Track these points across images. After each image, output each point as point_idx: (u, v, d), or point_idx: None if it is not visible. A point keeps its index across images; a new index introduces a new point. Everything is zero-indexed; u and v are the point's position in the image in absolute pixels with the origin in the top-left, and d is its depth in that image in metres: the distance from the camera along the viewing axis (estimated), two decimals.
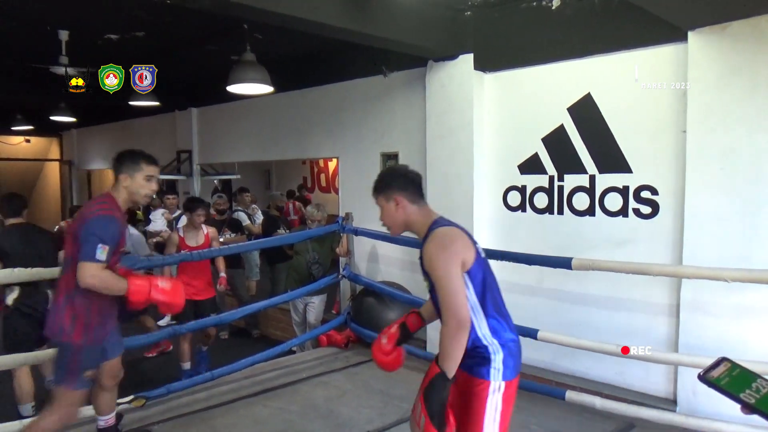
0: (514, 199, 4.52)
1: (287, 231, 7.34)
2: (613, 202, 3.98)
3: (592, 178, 4.08)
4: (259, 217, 7.62)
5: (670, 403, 3.70)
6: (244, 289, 7.02)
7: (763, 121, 3.27)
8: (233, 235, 6.64)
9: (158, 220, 7.55)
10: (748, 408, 1.01)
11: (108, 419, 3.12)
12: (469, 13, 4.46)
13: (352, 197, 5.65)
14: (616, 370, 3.97)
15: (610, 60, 3.93)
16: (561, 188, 4.25)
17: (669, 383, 3.78)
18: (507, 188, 4.55)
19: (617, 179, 3.95)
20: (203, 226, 5.20)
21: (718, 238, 3.43)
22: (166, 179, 8.92)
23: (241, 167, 9.10)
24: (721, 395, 1.04)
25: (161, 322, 7.45)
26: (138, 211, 10.69)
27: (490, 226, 4.65)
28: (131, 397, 3.52)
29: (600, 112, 3.99)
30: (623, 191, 3.93)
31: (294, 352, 5.27)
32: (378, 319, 4.91)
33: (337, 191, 7.91)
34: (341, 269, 5.44)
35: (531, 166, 4.39)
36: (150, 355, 6.08)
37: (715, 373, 1.07)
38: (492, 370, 2.05)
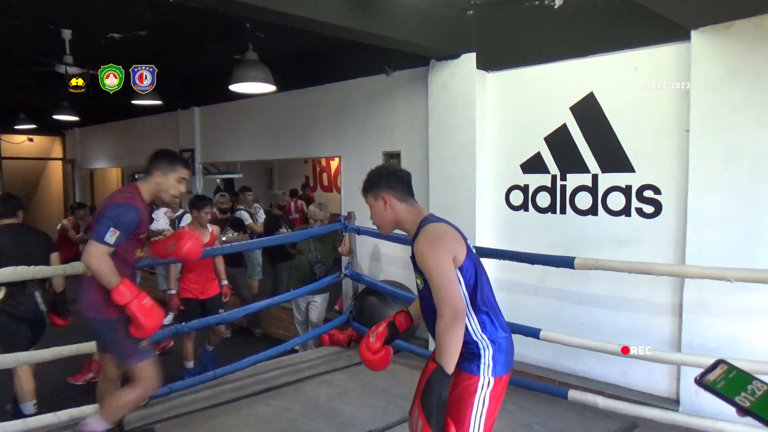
0: (517, 198, 4.51)
1: (289, 230, 7.34)
2: (616, 201, 3.97)
3: (595, 178, 4.07)
4: (262, 216, 7.63)
5: (672, 402, 3.70)
6: (246, 288, 7.03)
7: (767, 120, 3.26)
8: (236, 234, 6.65)
9: (161, 219, 7.55)
10: (743, 411, 1.01)
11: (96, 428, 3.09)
12: (471, 12, 4.46)
13: (355, 196, 5.61)
14: (619, 370, 3.97)
15: (613, 59, 3.93)
16: (563, 188, 4.24)
17: (672, 383, 3.78)
18: (509, 187, 4.55)
19: (620, 179, 3.95)
20: (208, 224, 5.23)
21: (721, 238, 3.42)
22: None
23: (244, 166, 9.10)
24: (718, 398, 1.04)
25: (164, 321, 7.48)
26: None
27: (492, 225, 4.64)
28: None
29: (603, 112, 3.99)
30: (626, 191, 3.93)
31: (296, 351, 5.28)
32: (380, 318, 4.85)
33: (339, 190, 7.91)
34: (343, 268, 5.44)
35: (533, 165, 4.39)
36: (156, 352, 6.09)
37: (712, 376, 1.07)
38: (482, 366, 2.04)
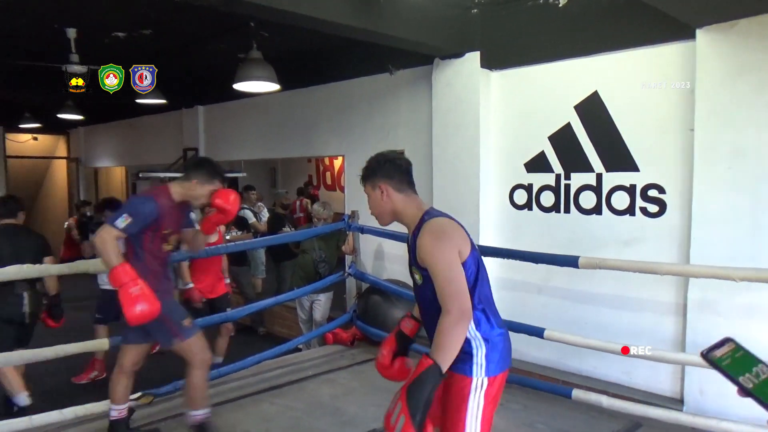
0: (521, 197, 4.51)
1: (292, 229, 7.35)
2: (620, 200, 3.97)
3: (599, 177, 4.06)
4: (265, 215, 7.64)
5: (676, 402, 3.69)
6: (249, 287, 7.04)
7: None
8: (239, 232, 6.66)
9: None
10: (744, 392, 0.99)
11: (122, 410, 3.17)
12: (476, 11, 4.45)
13: (358, 195, 5.61)
14: (623, 370, 3.96)
15: (618, 58, 3.92)
16: (568, 187, 4.24)
17: (676, 382, 3.77)
18: (513, 186, 4.54)
19: (624, 178, 3.94)
20: None
21: (725, 237, 3.41)
22: (172, 177, 8.96)
23: (247, 165, 9.11)
24: (723, 377, 1.02)
25: None
26: None
27: (496, 224, 4.64)
28: (139, 394, 3.54)
29: (607, 110, 3.98)
30: (630, 190, 3.92)
31: (300, 350, 5.28)
32: (384, 317, 4.92)
33: (342, 189, 7.91)
34: (347, 267, 5.44)
35: (537, 164, 4.38)
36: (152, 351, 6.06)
37: (718, 352, 1.06)
38: (474, 366, 1.96)
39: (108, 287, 5.39)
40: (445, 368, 1.81)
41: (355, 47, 4.80)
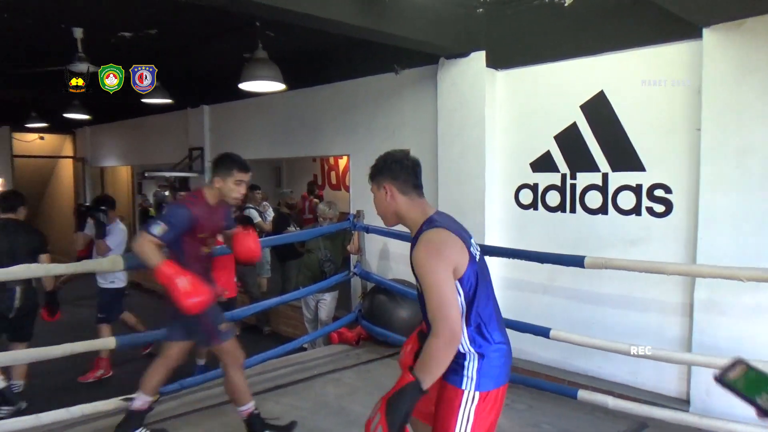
0: (526, 197, 4.50)
1: (297, 228, 7.36)
2: (627, 200, 3.95)
3: (605, 177, 4.05)
4: (270, 215, 7.65)
5: (683, 403, 3.68)
6: (255, 286, 7.06)
7: None
8: None
9: None
10: (763, 413, 0.99)
11: (147, 402, 3.20)
12: (481, 10, 4.44)
13: (364, 195, 5.62)
14: (629, 370, 3.95)
15: (624, 57, 3.91)
16: (573, 186, 4.23)
17: (682, 383, 3.75)
18: (519, 186, 4.54)
19: (630, 177, 3.93)
20: None
21: (732, 237, 3.40)
22: (178, 176, 8.99)
23: (252, 164, 9.03)
24: (737, 398, 1.02)
25: None
26: (151, 209, 10.80)
27: (501, 224, 4.63)
28: None
29: (613, 110, 3.97)
30: (636, 189, 3.91)
31: (305, 349, 5.29)
32: (389, 317, 4.92)
33: (347, 188, 7.92)
34: (352, 267, 5.45)
35: (543, 163, 4.37)
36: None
37: (732, 374, 1.06)
38: (465, 379, 1.92)
39: (108, 286, 5.43)
40: (426, 387, 1.79)
41: (360, 47, 4.81)
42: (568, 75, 4.19)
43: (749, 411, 1.06)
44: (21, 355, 3.89)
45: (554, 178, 4.32)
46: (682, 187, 3.70)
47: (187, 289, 2.77)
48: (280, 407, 3.85)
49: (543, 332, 3.67)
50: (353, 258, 5.64)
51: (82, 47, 4.82)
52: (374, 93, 5.70)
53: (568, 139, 4.21)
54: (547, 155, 4.34)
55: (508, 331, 3.27)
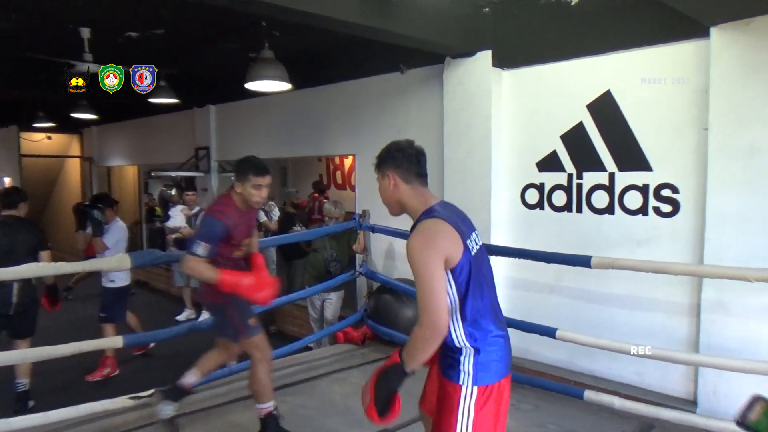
0: (532, 196, 4.49)
1: (303, 228, 7.37)
2: (633, 200, 3.94)
3: (612, 176, 4.04)
4: (276, 214, 7.66)
5: (690, 404, 3.66)
6: None
7: None
8: None
9: (177, 217, 7.62)
10: None
11: (194, 383, 3.32)
12: (487, 9, 4.44)
13: (369, 194, 5.65)
14: (636, 370, 3.94)
15: (631, 57, 3.89)
16: (580, 186, 4.22)
17: (689, 384, 3.74)
18: (525, 186, 4.53)
19: (637, 177, 3.91)
20: None
21: (740, 237, 3.38)
22: (184, 176, 9.01)
23: None
24: None
25: (179, 317, 7.55)
26: (157, 208, 10.84)
27: (507, 223, 4.62)
28: (152, 391, 3.56)
29: (620, 109, 3.95)
30: (643, 189, 3.89)
31: (311, 349, 5.30)
32: (394, 317, 4.92)
33: (352, 188, 7.92)
34: (358, 266, 5.45)
35: (549, 163, 4.36)
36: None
37: (753, 415, 1.03)
38: (461, 374, 1.92)
39: (108, 285, 5.46)
40: (409, 370, 1.88)
41: (366, 46, 4.80)
42: (575, 74, 4.18)
43: None
44: (30, 354, 3.91)
45: (560, 178, 4.31)
46: (690, 186, 3.69)
47: (254, 285, 2.99)
48: (286, 406, 3.85)
49: (549, 332, 3.67)
50: (359, 257, 5.64)
51: (89, 47, 4.85)
52: (380, 92, 5.71)
53: (575, 139, 4.20)
54: (554, 155, 4.33)
55: (514, 331, 3.28)
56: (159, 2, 4.35)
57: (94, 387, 5.13)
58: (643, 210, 3.90)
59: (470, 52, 4.54)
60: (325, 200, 10.50)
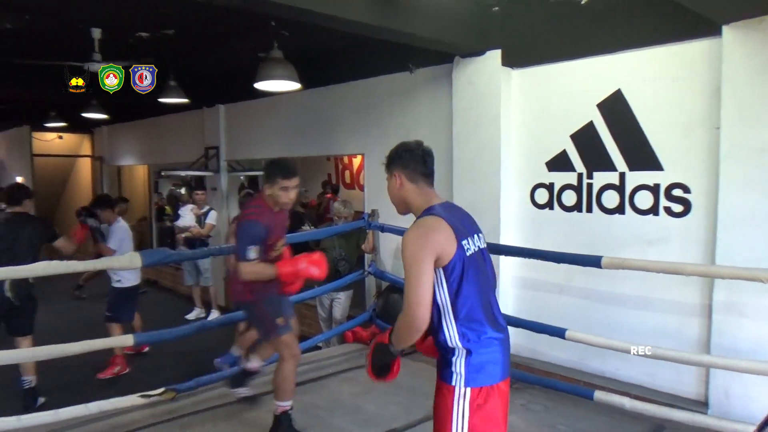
0: (542, 196, 4.47)
1: (312, 227, 7.38)
2: (644, 200, 3.91)
3: (622, 176, 4.01)
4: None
5: (701, 405, 3.63)
6: None
7: None
8: None
9: (186, 216, 7.67)
10: None
11: (258, 365, 3.60)
12: (497, 8, 4.42)
13: (378, 194, 5.65)
14: (646, 371, 3.91)
15: (641, 55, 3.87)
16: (590, 186, 4.19)
17: (700, 385, 3.71)
18: (534, 185, 4.51)
19: (648, 177, 3.89)
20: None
21: (752, 237, 3.35)
22: (193, 175, 9.06)
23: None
24: None
25: (189, 316, 7.59)
26: (167, 207, 10.89)
27: (517, 223, 4.61)
28: (162, 389, 3.58)
29: (630, 109, 3.93)
30: (654, 189, 3.87)
31: (320, 348, 5.31)
32: None
33: (361, 188, 7.93)
34: (367, 266, 5.45)
35: (559, 163, 4.34)
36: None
37: None
38: (453, 375, 1.93)
39: (115, 285, 5.49)
40: (394, 350, 2.01)
41: (375, 46, 4.80)
42: (585, 73, 4.16)
43: None
44: (39, 352, 3.93)
45: (570, 178, 4.29)
46: (701, 186, 3.66)
47: (308, 265, 3.15)
48: (295, 405, 3.85)
49: (559, 333, 3.65)
50: (368, 257, 5.64)
51: (99, 47, 4.88)
52: (389, 92, 5.70)
53: (585, 138, 4.17)
54: (563, 154, 4.30)
55: (524, 331, 3.28)
56: (169, 3, 4.37)
57: (104, 385, 5.17)
58: (654, 210, 3.88)
59: (479, 52, 4.53)
60: (336, 199, 10.51)
